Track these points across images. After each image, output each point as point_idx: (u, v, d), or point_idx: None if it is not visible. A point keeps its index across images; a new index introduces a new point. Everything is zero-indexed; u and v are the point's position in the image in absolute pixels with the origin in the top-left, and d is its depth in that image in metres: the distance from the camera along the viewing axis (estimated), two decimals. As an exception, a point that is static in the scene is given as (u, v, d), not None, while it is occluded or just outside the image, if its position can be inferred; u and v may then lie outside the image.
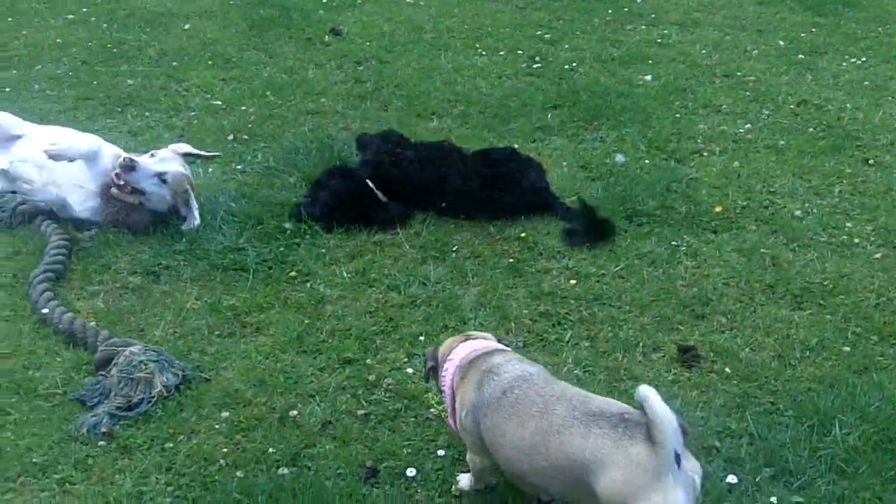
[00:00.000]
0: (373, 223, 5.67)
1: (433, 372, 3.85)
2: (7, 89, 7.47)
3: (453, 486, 3.82)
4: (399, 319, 4.86)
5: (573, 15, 9.48)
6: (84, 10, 9.39)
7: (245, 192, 5.93)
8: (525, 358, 3.69)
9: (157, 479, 3.84)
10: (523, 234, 5.58)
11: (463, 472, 3.85)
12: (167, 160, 5.58)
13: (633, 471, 3.05)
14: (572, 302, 5.00)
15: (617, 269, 5.28)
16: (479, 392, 3.50)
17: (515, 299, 5.03)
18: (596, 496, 3.12)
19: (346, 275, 5.19)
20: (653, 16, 9.47)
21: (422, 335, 4.73)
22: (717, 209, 5.84)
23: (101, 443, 4.01)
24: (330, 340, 4.71)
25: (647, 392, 3.06)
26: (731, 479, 3.85)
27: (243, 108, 7.19)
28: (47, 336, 4.67)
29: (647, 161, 6.47)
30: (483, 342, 3.78)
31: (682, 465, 3.07)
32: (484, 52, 8.48)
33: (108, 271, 5.19)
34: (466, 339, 3.82)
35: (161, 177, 5.47)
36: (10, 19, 9.08)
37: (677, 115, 7.19)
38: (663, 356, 4.63)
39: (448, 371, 3.71)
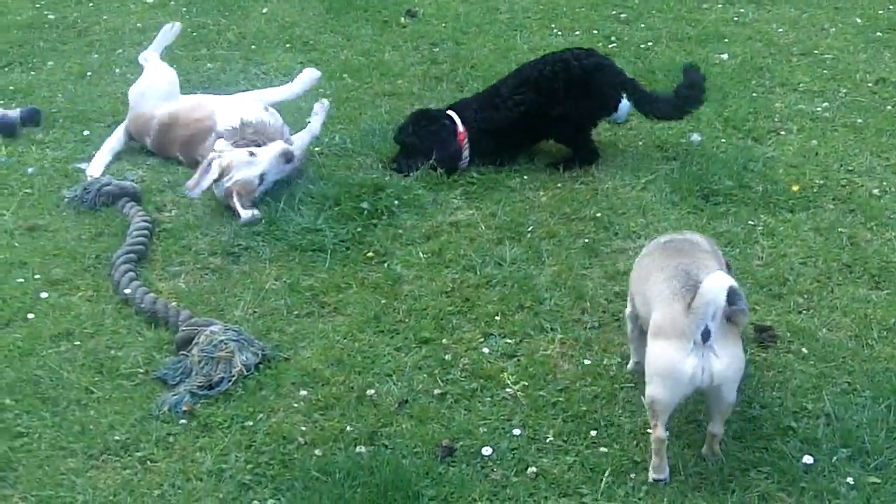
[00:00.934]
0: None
1: None
2: (89, 73, 7.62)
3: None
4: (475, 299, 4.89)
5: (648, -7, 9.40)
6: (164, -6, 9.54)
7: (322, 174, 6.00)
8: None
9: (237, 457, 3.93)
10: (598, 215, 5.57)
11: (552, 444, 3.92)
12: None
13: (665, 320, 3.65)
14: (648, 282, 4.99)
15: (693, 249, 5.25)
16: None
17: (591, 279, 5.03)
18: None
19: (422, 255, 5.24)
20: (729, -7, 9.34)
21: (497, 315, 4.75)
22: (795, 188, 5.77)
23: (182, 421, 4.11)
24: (406, 320, 4.76)
25: (715, 275, 3.61)
26: (807, 459, 3.82)
27: (321, 90, 7.23)
28: (129, 316, 4.78)
29: (723, 140, 6.41)
30: None
31: (708, 341, 3.55)
32: (559, 33, 8.44)
33: (189, 252, 5.30)
34: None
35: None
36: (91, 4, 9.25)
37: (754, 94, 7.10)
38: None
39: None
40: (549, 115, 6.11)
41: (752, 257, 5.18)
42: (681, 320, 3.58)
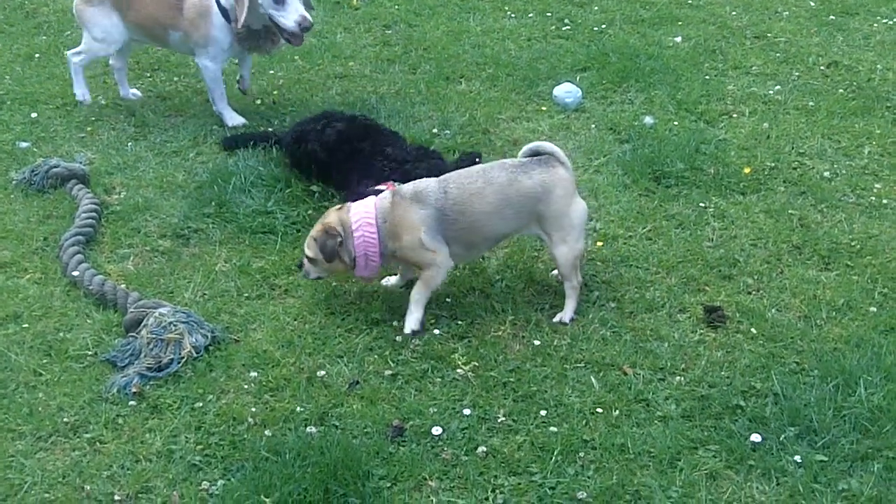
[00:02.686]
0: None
1: (341, 246, 4.48)
2: (37, 55, 7.52)
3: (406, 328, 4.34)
4: (426, 281, 4.88)
5: (602, -24, 9.41)
6: (114, -24, 9.40)
7: (272, 156, 5.95)
8: None
9: (186, 437, 3.90)
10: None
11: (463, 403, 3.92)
12: None
13: (567, 187, 4.51)
14: (599, 264, 5.01)
15: (644, 230, 5.28)
16: (424, 206, 4.45)
17: (542, 262, 5.04)
18: (543, 216, 4.50)
19: (373, 237, 5.21)
20: (683, -23, 9.38)
21: (448, 297, 4.75)
22: (746, 171, 5.81)
23: (132, 403, 4.07)
24: (357, 302, 4.74)
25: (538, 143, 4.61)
26: (755, 438, 3.86)
27: (272, 72, 7.20)
28: (78, 298, 4.73)
29: (676, 123, 6.44)
30: (370, 198, 4.60)
31: None
32: (513, 15, 8.44)
33: (138, 234, 5.24)
34: (346, 209, 4.58)
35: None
36: (40, -14, 9.13)
37: (707, 77, 7.14)
38: (689, 317, 4.63)
39: (362, 230, 4.46)
40: None
41: (702, 239, 5.21)
42: (571, 178, 4.58)
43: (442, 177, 4.58)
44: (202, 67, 6.29)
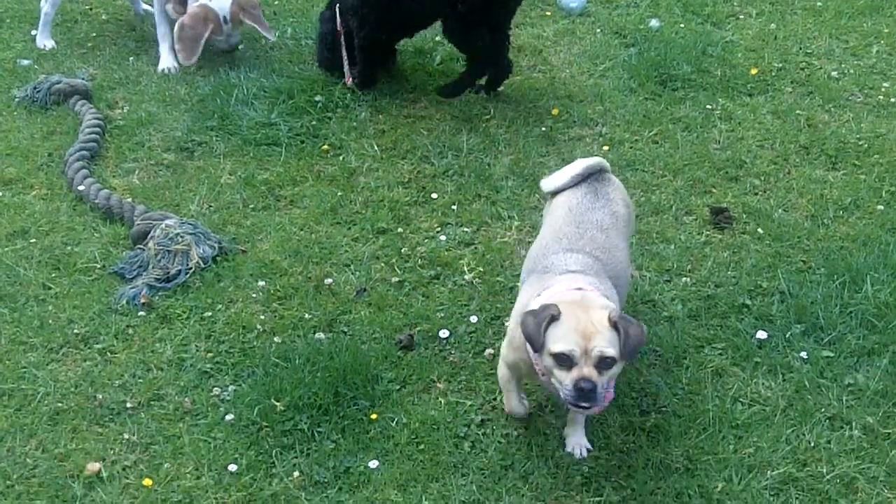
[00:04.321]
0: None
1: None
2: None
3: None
4: (431, 189, 4.87)
5: None
6: None
7: (275, 68, 5.91)
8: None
9: (196, 346, 3.93)
10: (556, 103, 5.54)
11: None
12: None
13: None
14: (605, 168, 4.99)
15: (651, 134, 5.25)
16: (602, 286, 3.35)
17: (548, 167, 5.01)
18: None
19: (377, 147, 5.19)
20: None
21: (454, 204, 4.75)
22: (753, 72, 5.75)
23: (141, 313, 4.10)
24: (363, 211, 4.74)
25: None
26: (762, 335, 3.88)
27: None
28: (84, 213, 4.73)
29: (682, 25, 6.36)
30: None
31: None
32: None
33: (142, 149, 5.23)
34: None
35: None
36: None
37: (713, -22, 7.03)
38: (695, 219, 4.62)
39: None
40: None
41: (709, 141, 5.18)
42: None
43: (567, 250, 3.43)
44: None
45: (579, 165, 3.69)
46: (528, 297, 3.27)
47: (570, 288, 3.18)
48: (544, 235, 3.59)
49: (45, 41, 6.32)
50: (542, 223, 3.78)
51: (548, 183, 3.78)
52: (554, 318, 3.01)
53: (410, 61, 6.03)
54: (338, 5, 5.66)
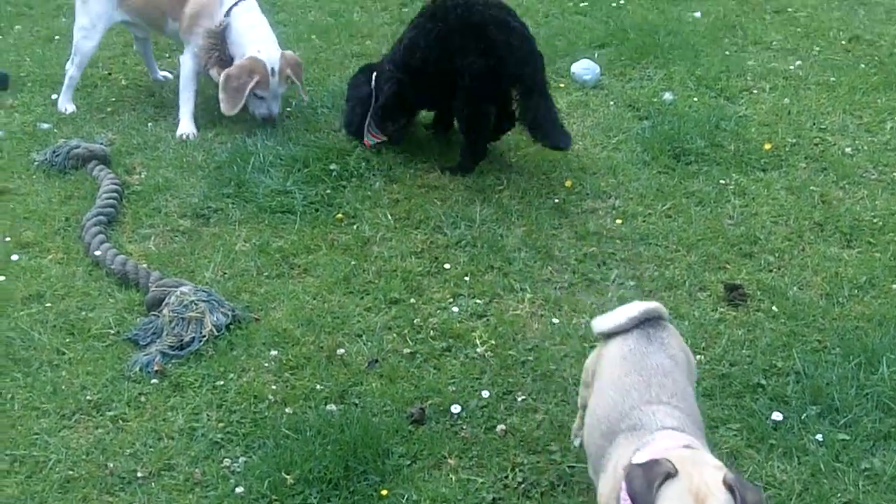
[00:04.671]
0: None
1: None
2: (57, 37, 7.56)
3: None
4: (444, 260, 4.88)
5: (622, -48, 9.35)
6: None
7: (291, 136, 5.96)
8: None
9: (208, 415, 3.92)
10: (569, 175, 5.56)
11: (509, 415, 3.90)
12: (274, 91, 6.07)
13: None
14: (618, 242, 5.00)
15: (664, 208, 5.26)
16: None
17: (560, 239, 5.03)
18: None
19: (390, 216, 5.22)
20: (703, -48, 9.31)
21: (466, 275, 4.75)
22: (767, 147, 5.78)
23: (154, 381, 4.09)
24: (376, 281, 4.75)
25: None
26: (777, 416, 3.85)
27: (289, 52, 7.18)
28: (100, 278, 4.75)
29: (695, 99, 6.40)
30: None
31: None
32: (530, -9, 8.41)
33: (159, 214, 5.26)
34: None
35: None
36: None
37: (727, 52, 7.09)
38: (710, 295, 4.62)
39: None
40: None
41: (723, 216, 5.19)
42: None
43: (646, 402, 3.14)
44: (182, 62, 6.24)
45: (636, 308, 3.40)
46: (625, 458, 2.94)
47: (678, 445, 2.88)
48: (606, 390, 3.25)
49: (66, 105, 6.39)
50: (587, 376, 3.52)
51: (600, 323, 3.49)
52: (669, 476, 2.68)
53: (425, 132, 6.08)
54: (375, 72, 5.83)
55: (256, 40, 5.96)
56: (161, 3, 6.15)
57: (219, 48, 5.97)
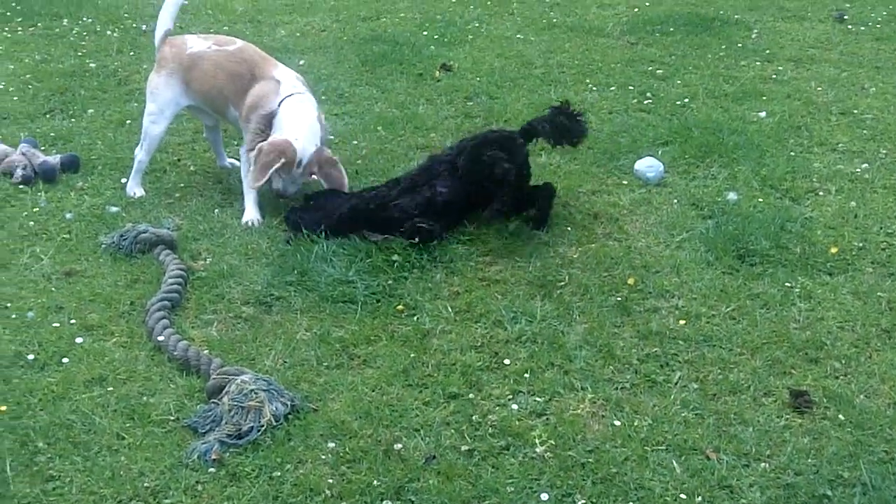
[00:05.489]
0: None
1: None
2: (128, 122, 7.71)
3: None
4: (504, 355, 4.86)
5: (685, 50, 9.42)
6: (204, 44, 9.66)
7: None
8: None
9: (264, 507, 3.91)
10: (631, 273, 5.54)
11: None
12: (295, 175, 6.11)
13: None
14: (681, 343, 4.94)
15: (728, 309, 5.20)
16: None
17: (622, 338, 4.99)
18: None
19: (450, 309, 5.22)
20: (767, 52, 9.35)
21: (527, 372, 4.72)
22: (833, 250, 5.71)
23: (211, 469, 4.09)
24: (435, 374, 4.73)
25: None
26: (844, 530, 3.75)
27: (355, 142, 7.30)
28: (162, 363, 4.79)
29: (760, 200, 6.37)
30: None
31: None
32: (594, 88, 8.47)
33: (222, 301, 5.31)
34: None
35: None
36: (131, 53, 9.41)
37: (792, 153, 7.06)
38: (775, 400, 4.53)
39: None
40: None
41: (788, 320, 5.12)
42: None
43: None
44: (243, 151, 6.36)
45: None
46: None
47: None
48: None
49: (135, 189, 6.52)
50: None
51: None
52: None
53: (481, 225, 6.09)
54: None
55: (297, 130, 6.07)
56: (225, 91, 6.30)
57: (264, 134, 6.10)
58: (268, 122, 6.15)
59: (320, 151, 6.12)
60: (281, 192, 6.15)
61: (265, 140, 6.07)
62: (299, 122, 6.09)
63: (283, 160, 5.96)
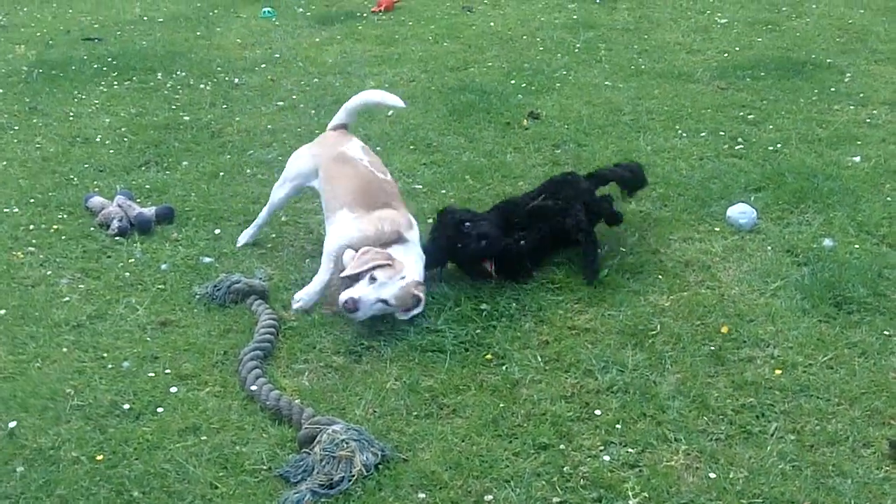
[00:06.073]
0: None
1: None
2: (221, 173, 7.87)
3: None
4: (595, 406, 4.81)
5: (777, 95, 9.31)
6: (294, 97, 9.86)
7: (444, 276, 6.02)
8: None
9: (355, 558, 3.91)
10: (725, 321, 5.45)
11: None
12: (387, 284, 5.46)
13: None
14: (777, 393, 4.84)
15: (825, 358, 5.09)
16: None
17: (716, 388, 4.91)
18: None
19: (540, 358, 5.19)
20: (861, 95, 9.19)
21: (618, 423, 4.66)
22: (933, 297, 5.57)
23: (303, 519, 4.11)
24: (525, 425, 4.70)
25: None
26: (951, 589, 3.62)
27: (443, 191, 7.34)
28: (255, 412, 4.84)
29: (856, 246, 6.24)
30: None
31: None
32: (684, 134, 8.41)
33: (313, 350, 5.36)
34: None
35: (384, 302, 5.44)
36: (224, 106, 9.62)
37: (888, 198, 6.91)
38: (874, 452, 4.41)
39: None
40: None
41: (887, 369, 4.99)
42: None
43: None
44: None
45: None
46: None
47: None
48: None
49: (243, 239, 6.65)
50: None
51: None
52: None
53: (570, 272, 6.07)
54: None
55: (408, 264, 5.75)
56: (345, 197, 6.11)
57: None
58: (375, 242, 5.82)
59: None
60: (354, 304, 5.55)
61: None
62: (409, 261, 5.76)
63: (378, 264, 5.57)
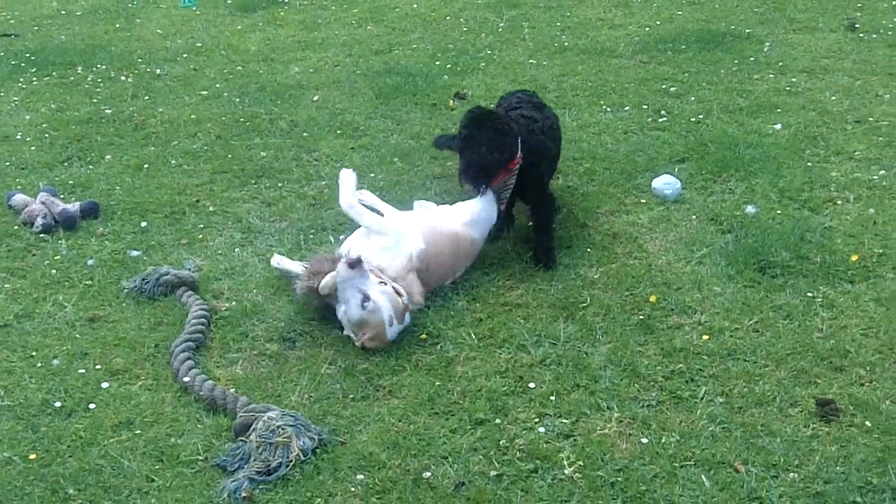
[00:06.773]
0: None
1: None
2: (146, 166, 7.77)
3: None
4: (529, 379, 4.86)
5: (698, 67, 9.44)
6: (217, 86, 9.76)
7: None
8: None
9: (295, 542, 3.92)
10: (653, 290, 5.54)
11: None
12: (383, 292, 5.26)
13: None
14: (705, 358, 4.94)
15: (751, 322, 5.20)
16: None
17: (647, 356, 4.99)
18: None
19: (474, 335, 5.23)
20: (780, 64, 9.36)
21: (552, 395, 4.72)
22: (854, 258, 5.69)
23: (242, 507, 4.11)
24: (461, 402, 4.74)
25: None
26: (877, 537, 3.73)
27: (372, 175, 7.33)
28: (189, 404, 4.81)
29: (779, 211, 6.36)
30: None
31: None
32: (608, 109, 8.49)
33: (246, 339, 5.34)
34: None
35: (363, 301, 5.18)
36: (146, 98, 9.48)
37: (809, 164, 7.06)
38: (801, 411, 4.52)
39: None
40: None
41: (811, 329, 5.11)
42: None
43: None
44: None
45: None
46: None
47: None
48: None
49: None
50: None
51: None
52: None
53: (502, 249, 6.11)
54: None
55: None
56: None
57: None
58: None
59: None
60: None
61: None
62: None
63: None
